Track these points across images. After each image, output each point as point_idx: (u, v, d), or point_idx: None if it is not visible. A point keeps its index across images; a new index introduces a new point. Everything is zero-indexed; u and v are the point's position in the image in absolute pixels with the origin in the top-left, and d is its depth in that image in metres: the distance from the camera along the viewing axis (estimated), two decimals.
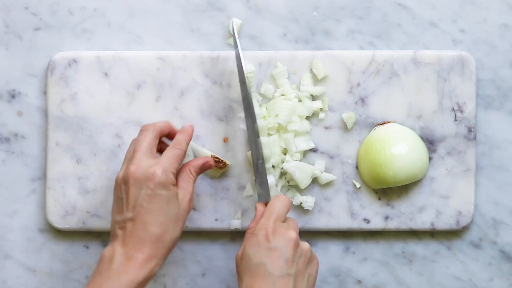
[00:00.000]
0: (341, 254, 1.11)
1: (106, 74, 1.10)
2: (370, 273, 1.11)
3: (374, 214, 1.10)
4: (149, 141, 0.99)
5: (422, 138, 1.09)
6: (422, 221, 1.10)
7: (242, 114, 1.09)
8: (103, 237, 1.11)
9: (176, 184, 0.99)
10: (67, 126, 1.09)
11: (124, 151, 1.09)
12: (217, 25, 1.11)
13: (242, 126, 1.09)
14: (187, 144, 1.01)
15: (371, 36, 1.11)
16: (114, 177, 1.09)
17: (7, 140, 1.11)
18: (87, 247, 1.11)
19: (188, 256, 1.12)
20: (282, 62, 1.10)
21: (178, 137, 1.01)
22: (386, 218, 1.10)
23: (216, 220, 1.10)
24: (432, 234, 1.11)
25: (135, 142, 0.99)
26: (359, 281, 1.11)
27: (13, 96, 1.11)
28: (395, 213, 1.10)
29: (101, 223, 1.10)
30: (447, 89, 1.09)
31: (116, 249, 0.95)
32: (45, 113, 1.11)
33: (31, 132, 1.11)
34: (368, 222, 1.10)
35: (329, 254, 1.11)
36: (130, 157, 0.98)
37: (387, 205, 1.10)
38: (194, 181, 1.01)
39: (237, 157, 1.09)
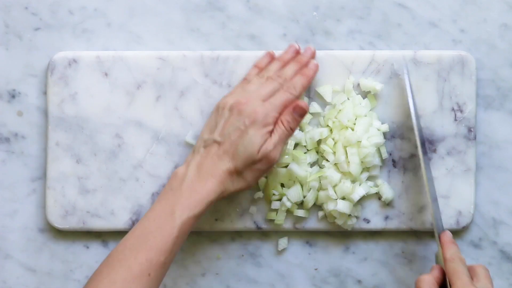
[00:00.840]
0: (341, 254, 1.11)
1: (106, 74, 1.10)
2: (370, 273, 1.11)
3: (374, 214, 1.10)
4: (269, 90, 1.02)
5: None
6: (422, 221, 1.10)
7: None
8: (103, 237, 1.11)
9: (271, 129, 1.00)
10: (67, 126, 1.09)
11: (125, 151, 1.09)
12: (217, 25, 1.11)
13: None
14: (304, 88, 1.04)
15: (371, 36, 1.12)
16: (114, 177, 1.09)
17: (7, 140, 1.11)
18: (87, 247, 1.11)
19: (188, 256, 1.12)
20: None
21: (294, 79, 1.04)
22: (386, 218, 1.10)
23: (216, 220, 1.10)
24: (432, 234, 1.11)
25: (257, 83, 1.04)
26: (359, 281, 1.11)
27: (13, 96, 1.11)
28: (395, 213, 1.10)
29: (101, 223, 1.10)
30: (447, 89, 1.09)
31: (190, 168, 0.99)
32: (45, 113, 1.11)
33: (31, 132, 1.11)
34: (368, 222, 1.10)
35: (329, 254, 1.11)
36: (243, 88, 1.04)
37: (387, 205, 1.10)
38: (283, 133, 1.01)
39: None
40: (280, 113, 1.01)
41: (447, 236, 1.03)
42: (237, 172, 1.00)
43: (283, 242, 1.10)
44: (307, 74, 1.06)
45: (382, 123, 1.09)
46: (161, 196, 0.99)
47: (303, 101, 1.03)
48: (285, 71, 1.05)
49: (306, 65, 1.06)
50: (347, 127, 1.06)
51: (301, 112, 1.01)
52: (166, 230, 0.96)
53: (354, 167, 1.05)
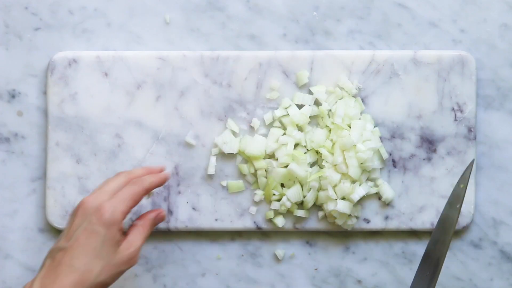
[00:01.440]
0: (341, 254, 1.11)
1: (106, 74, 1.10)
2: (370, 273, 1.11)
3: (374, 214, 1.10)
4: (116, 182, 0.98)
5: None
6: (422, 221, 1.10)
7: (242, 114, 1.09)
8: None
9: (123, 230, 0.96)
10: (67, 126, 1.09)
11: (125, 151, 1.09)
12: (217, 25, 1.11)
13: (242, 126, 1.09)
14: (153, 187, 0.99)
15: (371, 36, 1.12)
16: None
17: (7, 140, 1.11)
18: None
19: (188, 256, 1.12)
20: (282, 62, 1.10)
21: (145, 177, 0.99)
22: (386, 218, 1.10)
23: (216, 220, 1.10)
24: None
25: (104, 182, 0.99)
26: (359, 281, 1.11)
27: (13, 96, 1.11)
28: (395, 213, 1.10)
29: None
30: (447, 89, 1.09)
31: (34, 284, 0.92)
32: (45, 113, 1.11)
33: (31, 132, 1.11)
34: (368, 222, 1.10)
35: (329, 254, 1.11)
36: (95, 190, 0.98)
37: (387, 205, 1.10)
38: (146, 236, 0.98)
39: (237, 157, 1.10)
40: (130, 207, 0.96)
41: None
42: (85, 282, 0.92)
43: (280, 251, 1.10)
44: (158, 175, 1.00)
45: (382, 124, 1.09)
46: None
47: (161, 210, 1.02)
48: (134, 170, 1.01)
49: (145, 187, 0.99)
50: (342, 128, 1.06)
51: (159, 222, 1.01)
52: None
53: (353, 170, 1.05)
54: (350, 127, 1.07)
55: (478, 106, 1.11)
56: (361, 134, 1.06)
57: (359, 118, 1.07)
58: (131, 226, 0.98)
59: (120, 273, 0.95)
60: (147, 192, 0.98)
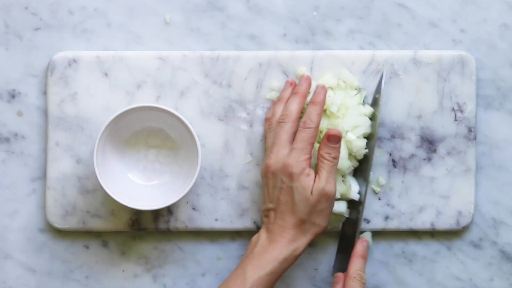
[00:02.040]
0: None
1: (106, 74, 1.10)
2: (370, 273, 1.11)
3: (374, 214, 1.10)
4: (285, 132, 1.03)
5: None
6: (422, 221, 1.10)
7: (242, 114, 1.09)
8: (103, 237, 1.11)
9: (308, 171, 1.02)
10: (67, 126, 1.09)
11: None
12: (217, 25, 1.11)
13: (242, 126, 1.09)
14: (319, 116, 1.04)
15: (371, 36, 1.12)
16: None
17: (7, 140, 1.11)
18: (87, 247, 1.11)
19: (188, 256, 1.12)
20: (282, 62, 1.10)
21: (308, 111, 1.04)
22: (386, 218, 1.10)
23: (216, 220, 1.10)
24: (432, 234, 1.11)
25: (274, 135, 1.05)
26: None
27: (13, 96, 1.11)
28: (395, 213, 1.10)
29: (101, 223, 1.10)
30: (447, 89, 1.09)
31: (261, 235, 1.03)
32: (45, 113, 1.11)
33: (31, 132, 1.11)
34: (368, 222, 1.10)
35: (329, 254, 1.11)
36: (269, 149, 1.04)
37: (387, 205, 1.10)
38: (336, 163, 1.03)
39: (237, 157, 1.09)
40: (310, 151, 1.02)
41: (361, 247, 1.06)
42: (303, 223, 1.02)
43: None
44: (317, 101, 1.06)
45: (382, 124, 1.09)
46: (238, 265, 1.03)
47: (333, 129, 1.03)
48: (289, 108, 1.05)
49: (303, 94, 1.07)
50: (337, 117, 1.06)
51: (335, 140, 1.03)
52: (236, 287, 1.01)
53: (341, 162, 1.05)
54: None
55: (478, 106, 1.11)
56: (355, 124, 1.06)
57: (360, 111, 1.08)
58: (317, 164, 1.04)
59: (327, 209, 1.03)
60: (317, 126, 1.03)
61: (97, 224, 1.10)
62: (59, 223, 1.10)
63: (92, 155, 1.09)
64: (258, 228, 1.09)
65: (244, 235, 1.11)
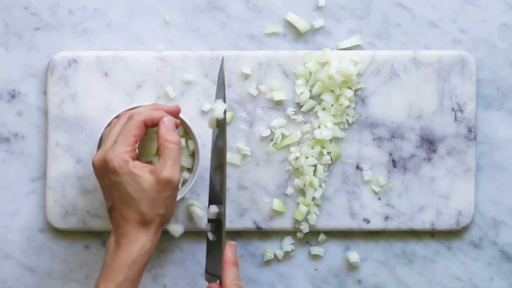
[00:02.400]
0: (341, 254, 1.11)
1: (106, 74, 1.10)
2: (370, 273, 1.11)
3: (374, 214, 1.10)
4: (117, 129, 0.98)
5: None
6: (422, 221, 1.10)
7: (242, 114, 1.09)
8: (103, 237, 1.11)
9: (133, 161, 0.96)
10: (67, 126, 1.09)
11: None
12: (217, 25, 1.12)
13: (242, 126, 1.09)
14: (153, 119, 0.98)
15: (371, 36, 1.12)
16: None
17: (7, 140, 1.11)
18: (87, 247, 1.11)
19: (188, 256, 1.12)
20: (282, 62, 1.10)
21: (143, 110, 0.99)
22: (386, 218, 1.10)
23: None
24: (432, 234, 1.11)
25: (109, 129, 1.00)
26: (359, 281, 1.11)
27: (13, 96, 1.11)
28: (395, 213, 1.10)
29: (101, 223, 1.10)
30: (447, 89, 1.09)
31: (111, 239, 0.98)
32: (45, 113, 1.11)
33: (31, 132, 1.11)
34: (368, 222, 1.10)
35: (329, 254, 1.11)
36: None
37: (387, 205, 1.10)
38: (179, 146, 0.98)
39: (237, 157, 1.10)
40: (133, 142, 0.97)
41: (231, 252, 1.02)
42: (143, 216, 0.97)
43: (280, 251, 1.11)
44: (161, 107, 1.01)
45: (382, 124, 1.09)
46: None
47: (170, 113, 1.00)
48: (137, 108, 1.03)
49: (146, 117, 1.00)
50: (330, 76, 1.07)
51: (172, 121, 0.99)
52: None
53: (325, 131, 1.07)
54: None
55: (478, 106, 1.11)
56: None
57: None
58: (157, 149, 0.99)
59: (170, 197, 0.97)
60: (148, 122, 0.98)
61: (97, 224, 1.10)
62: (59, 223, 1.10)
63: (92, 155, 1.09)
64: (258, 228, 1.10)
65: (244, 235, 1.11)
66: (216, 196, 1.02)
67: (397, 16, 1.12)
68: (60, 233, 1.12)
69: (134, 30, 1.12)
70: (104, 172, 0.97)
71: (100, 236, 1.11)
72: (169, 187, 0.96)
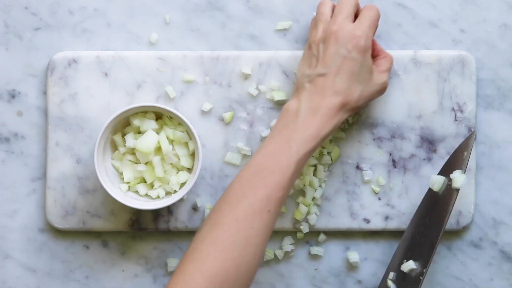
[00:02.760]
0: (341, 254, 1.12)
1: (106, 74, 1.10)
2: (370, 273, 1.11)
3: (374, 214, 1.10)
4: (350, 5, 1.02)
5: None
6: None
7: (242, 114, 1.09)
8: (103, 237, 1.11)
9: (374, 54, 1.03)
10: (67, 126, 1.09)
11: None
12: (217, 25, 1.12)
13: (242, 126, 1.09)
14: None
15: None
16: None
17: (7, 140, 1.12)
18: (87, 247, 1.11)
19: None
20: (282, 62, 1.10)
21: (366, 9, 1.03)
22: (386, 218, 1.10)
23: None
24: None
25: (337, 6, 1.02)
26: (359, 281, 1.11)
27: (13, 96, 1.12)
28: (395, 213, 1.10)
29: (101, 223, 1.10)
30: (447, 89, 1.09)
31: (302, 103, 0.98)
32: (45, 113, 1.11)
33: (31, 132, 1.11)
34: (368, 222, 1.10)
35: (329, 254, 1.11)
36: (327, 20, 1.02)
37: (387, 205, 1.10)
38: (391, 59, 1.04)
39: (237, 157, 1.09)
40: (375, 33, 1.02)
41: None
42: (347, 104, 0.99)
43: (280, 251, 1.11)
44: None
45: (382, 124, 1.09)
46: (274, 132, 0.98)
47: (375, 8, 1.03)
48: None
49: None
50: None
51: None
52: (284, 166, 0.95)
53: None
54: None
55: (478, 106, 1.11)
56: None
57: None
58: (375, 55, 1.04)
59: (373, 98, 1.03)
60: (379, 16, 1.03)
61: (97, 224, 1.10)
62: (59, 223, 1.10)
63: (92, 155, 1.09)
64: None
65: None
66: (419, 252, 1.03)
67: (397, 16, 1.12)
68: (60, 233, 1.12)
69: (134, 30, 1.12)
70: (346, 43, 0.99)
71: (100, 236, 1.11)
72: (376, 95, 1.03)
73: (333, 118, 0.98)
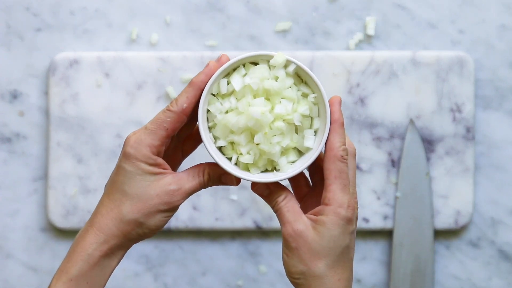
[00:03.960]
0: None
1: (107, 75, 1.10)
2: (369, 272, 1.12)
3: (373, 214, 1.10)
4: (158, 117, 0.82)
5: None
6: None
7: None
8: None
9: (163, 166, 0.82)
10: (68, 126, 1.10)
11: None
12: (217, 25, 1.12)
13: None
14: (191, 99, 0.81)
15: (370, 36, 1.12)
16: None
17: (9, 140, 1.12)
18: None
19: (188, 255, 1.12)
20: None
21: (180, 94, 0.82)
22: (385, 217, 1.10)
23: (216, 219, 1.10)
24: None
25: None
26: (358, 280, 1.12)
27: (15, 97, 1.12)
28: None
29: None
30: (446, 89, 1.10)
31: (91, 216, 0.83)
32: (46, 113, 1.11)
33: (32, 132, 1.12)
34: (367, 222, 1.10)
35: None
36: None
37: (386, 204, 1.10)
38: (202, 185, 0.85)
39: None
40: (162, 138, 0.81)
41: (338, 110, 0.81)
42: (121, 218, 0.83)
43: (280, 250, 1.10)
44: (193, 81, 0.82)
45: (382, 124, 1.10)
46: None
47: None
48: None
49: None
50: None
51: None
52: None
53: None
54: None
55: (477, 106, 1.11)
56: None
57: None
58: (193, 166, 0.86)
59: (159, 212, 0.83)
60: (179, 113, 0.81)
61: None
62: (60, 223, 1.10)
63: (93, 154, 1.10)
64: (258, 228, 1.10)
65: (244, 235, 1.12)
66: None
67: (396, 17, 1.12)
68: (62, 232, 1.12)
69: (135, 31, 1.12)
70: (121, 151, 0.82)
71: None
72: (161, 208, 0.85)
73: (95, 238, 0.81)
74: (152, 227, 0.83)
